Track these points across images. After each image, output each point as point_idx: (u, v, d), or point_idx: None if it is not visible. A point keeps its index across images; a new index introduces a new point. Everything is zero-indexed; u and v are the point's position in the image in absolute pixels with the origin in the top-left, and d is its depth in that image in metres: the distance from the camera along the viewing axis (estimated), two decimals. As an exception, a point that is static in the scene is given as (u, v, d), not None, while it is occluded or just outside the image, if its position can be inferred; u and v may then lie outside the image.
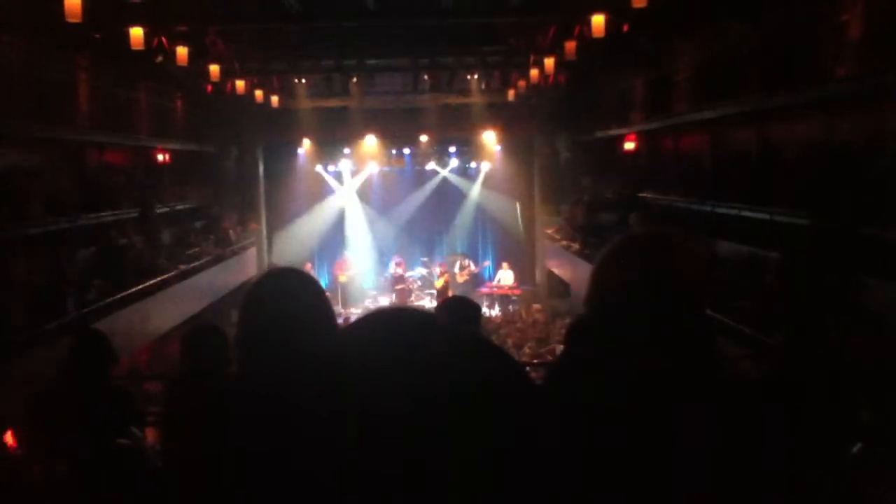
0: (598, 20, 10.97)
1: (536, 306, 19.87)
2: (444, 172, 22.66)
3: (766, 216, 9.98)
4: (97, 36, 11.16)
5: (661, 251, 1.85)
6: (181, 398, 3.64)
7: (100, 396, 3.90)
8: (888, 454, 2.55)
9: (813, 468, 2.32)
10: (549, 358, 12.44)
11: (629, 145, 16.94)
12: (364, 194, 23.02)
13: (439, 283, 20.92)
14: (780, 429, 2.56)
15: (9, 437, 4.55)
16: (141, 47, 10.94)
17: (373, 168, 22.33)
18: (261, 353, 2.03)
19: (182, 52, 12.35)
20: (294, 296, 2.06)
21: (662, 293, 1.80)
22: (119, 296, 11.60)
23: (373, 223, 23.05)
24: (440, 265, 21.60)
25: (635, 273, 1.84)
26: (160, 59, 12.41)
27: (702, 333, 1.98)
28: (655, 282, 1.81)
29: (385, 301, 21.80)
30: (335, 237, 22.94)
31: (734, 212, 10.96)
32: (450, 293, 19.99)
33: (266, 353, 2.01)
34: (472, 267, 22.07)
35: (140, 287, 12.39)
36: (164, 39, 12.22)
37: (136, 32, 10.74)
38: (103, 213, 12.94)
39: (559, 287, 19.46)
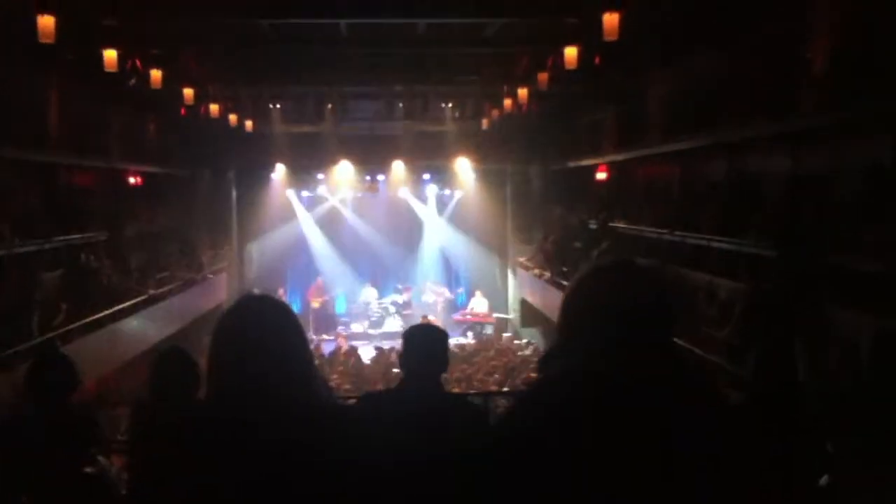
0: (570, 52, 11.13)
1: (508, 335, 19.92)
2: (413, 202, 22.67)
3: (734, 247, 10.11)
4: (70, 57, 11.08)
5: (628, 279, 1.89)
6: (147, 423, 3.58)
7: (63, 423, 3.82)
8: (855, 486, 2.58)
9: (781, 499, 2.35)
10: (522, 386, 12.43)
11: (601, 175, 17.12)
12: (335, 220, 22.91)
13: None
14: (751, 452, 2.58)
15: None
16: (115, 69, 10.87)
17: (344, 194, 22.27)
18: (232, 379, 2.02)
19: (156, 74, 12.30)
20: (267, 323, 2.06)
21: (630, 319, 1.84)
22: (87, 319, 11.44)
23: (344, 250, 22.93)
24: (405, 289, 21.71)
25: (603, 300, 1.88)
26: (133, 81, 12.34)
27: (670, 356, 2.02)
28: (622, 308, 1.85)
29: (357, 328, 21.70)
30: (308, 263, 22.81)
31: (703, 242, 11.09)
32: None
33: (237, 379, 2.00)
34: (447, 294, 22.09)
35: (109, 311, 12.23)
36: (137, 62, 12.18)
37: (110, 54, 10.69)
38: (72, 236, 12.76)
39: (532, 315, 19.51)
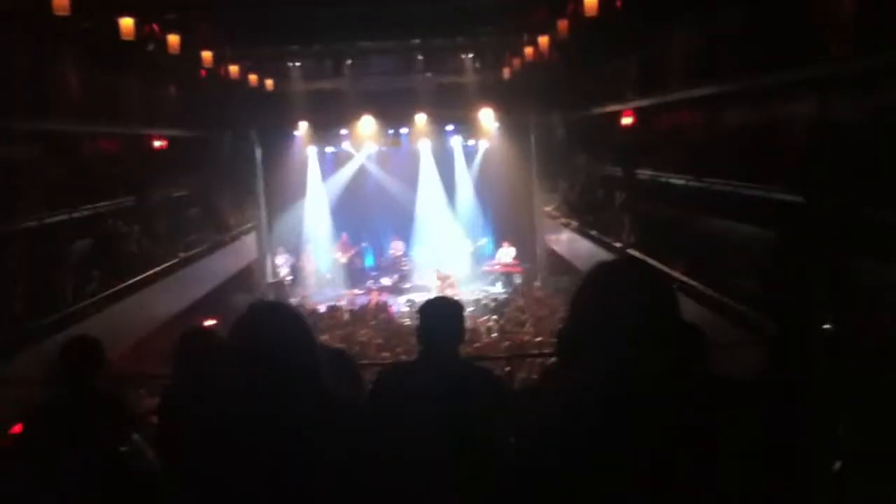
0: None
1: (537, 284, 19.97)
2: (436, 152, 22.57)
3: (761, 193, 9.96)
4: (86, 26, 11.07)
5: (633, 275, 1.94)
6: (173, 412, 3.66)
7: (95, 403, 3.92)
8: (867, 472, 2.59)
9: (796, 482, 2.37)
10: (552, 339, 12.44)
11: (626, 121, 16.86)
12: (360, 176, 22.87)
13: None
14: (767, 432, 2.60)
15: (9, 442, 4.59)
16: (131, 37, 10.88)
17: (367, 149, 22.18)
18: (245, 386, 2.07)
19: (173, 39, 12.29)
20: (277, 331, 2.09)
21: (638, 311, 1.89)
22: (119, 286, 11.66)
23: (370, 204, 22.88)
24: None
25: (610, 297, 1.93)
26: (151, 47, 12.33)
27: (681, 342, 2.06)
28: (631, 302, 1.90)
29: (386, 282, 21.72)
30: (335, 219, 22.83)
31: (729, 189, 10.94)
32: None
33: (251, 386, 2.06)
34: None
35: (140, 277, 12.44)
36: (155, 27, 12.15)
37: (126, 22, 10.68)
38: (99, 204, 12.93)
39: (559, 263, 19.50)
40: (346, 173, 22.70)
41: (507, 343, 13.12)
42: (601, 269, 2.00)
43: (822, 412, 2.75)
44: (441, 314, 3.48)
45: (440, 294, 17.26)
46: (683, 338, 2.50)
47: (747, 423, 2.00)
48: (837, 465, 2.66)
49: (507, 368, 8.31)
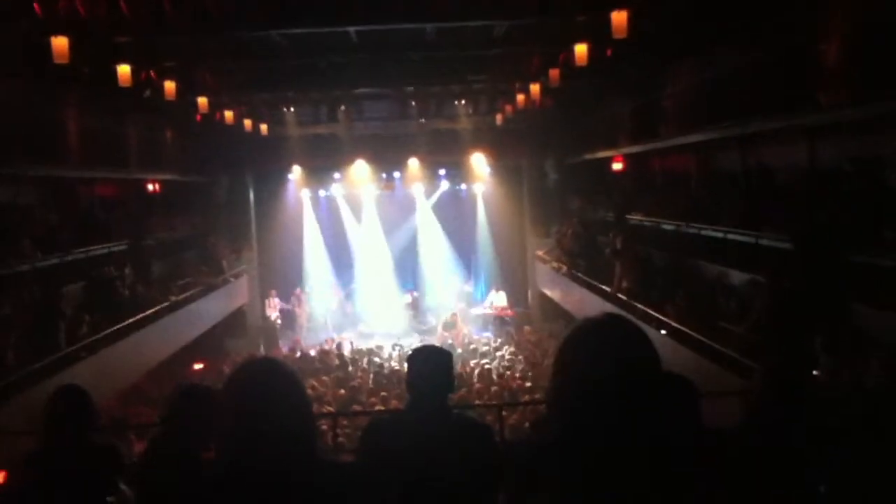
0: (580, 49, 11.08)
1: (528, 328, 19.95)
2: (422, 200, 22.74)
3: (752, 240, 10.05)
4: (85, 72, 11.20)
5: (616, 333, 1.97)
6: (158, 466, 3.61)
7: (83, 456, 3.88)
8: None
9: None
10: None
11: (617, 166, 17.05)
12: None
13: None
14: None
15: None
16: (129, 84, 10.98)
17: (369, 193, 22.35)
18: (236, 447, 2.08)
19: (170, 86, 12.40)
20: (269, 388, 2.11)
21: (622, 369, 1.92)
22: (111, 329, 11.61)
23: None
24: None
25: (596, 352, 1.96)
26: (148, 93, 12.47)
27: (668, 397, 2.09)
28: (615, 360, 1.94)
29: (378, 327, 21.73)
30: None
31: (720, 235, 11.04)
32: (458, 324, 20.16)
33: (242, 447, 2.07)
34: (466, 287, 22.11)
35: (132, 320, 12.39)
36: (152, 73, 12.29)
37: (124, 69, 10.79)
38: (93, 248, 12.95)
39: (552, 308, 19.51)
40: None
41: (496, 388, 13.05)
42: (582, 328, 2.03)
43: (810, 460, 2.76)
44: (430, 363, 3.45)
45: (438, 340, 17.33)
46: (670, 392, 2.53)
47: (735, 478, 2.03)
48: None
49: (504, 413, 8.27)
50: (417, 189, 22.31)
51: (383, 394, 12.25)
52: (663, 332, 10.60)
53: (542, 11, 10.55)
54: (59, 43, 8.88)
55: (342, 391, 12.85)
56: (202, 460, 3.37)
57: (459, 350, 17.13)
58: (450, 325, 20.21)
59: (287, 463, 2.04)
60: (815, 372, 6.68)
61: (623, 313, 3.92)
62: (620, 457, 1.87)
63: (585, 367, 1.92)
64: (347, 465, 2.99)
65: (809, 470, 2.87)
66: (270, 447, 2.02)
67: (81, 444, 3.90)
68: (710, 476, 1.98)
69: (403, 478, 2.89)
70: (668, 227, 13.24)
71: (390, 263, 22.88)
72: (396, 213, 22.82)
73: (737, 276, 10.49)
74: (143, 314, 12.92)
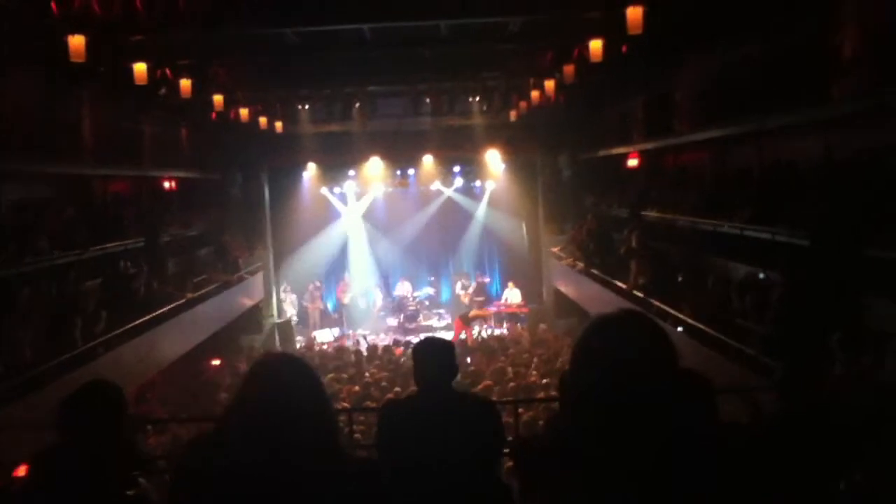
0: (595, 45, 11.05)
1: (543, 326, 19.91)
2: (448, 192, 22.81)
3: (768, 236, 9.97)
4: (101, 70, 11.27)
5: (631, 328, 1.96)
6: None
7: (103, 450, 3.88)
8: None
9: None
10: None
11: (632, 162, 16.99)
12: (369, 216, 23.19)
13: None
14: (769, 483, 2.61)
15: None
16: (145, 82, 11.05)
17: (377, 190, 22.48)
18: (253, 440, 2.09)
19: (185, 84, 12.47)
20: (287, 384, 2.11)
21: (640, 365, 1.91)
22: (127, 326, 11.68)
23: (376, 244, 23.17)
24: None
25: (613, 348, 1.95)
26: (164, 91, 12.53)
27: (685, 392, 2.09)
28: (633, 356, 1.93)
29: (392, 322, 21.89)
30: (341, 259, 23.07)
31: (736, 231, 10.96)
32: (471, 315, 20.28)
33: (258, 440, 2.07)
34: (480, 279, 22.14)
35: (148, 317, 12.47)
36: (167, 72, 12.36)
37: (140, 68, 10.86)
38: (109, 245, 13.02)
39: (566, 305, 19.47)
40: (353, 213, 22.96)
41: (512, 384, 13.02)
42: (599, 323, 2.02)
43: (830, 459, 2.74)
44: (433, 353, 3.83)
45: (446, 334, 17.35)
46: (687, 388, 2.52)
47: (753, 474, 2.01)
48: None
49: (520, 410, 8.25)
50: (435, 185, 22.45)
51: (397, 389, 12.29)
52: (680, 328, 10.55)
53: (557, 7, 10.52)
54: (76, 41, 8.94)
55: (357, 388, 12.89)
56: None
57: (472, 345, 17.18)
58: (465, 321, 20.25)
59: (310, 457, 2.04)
60: (832, 368, 6.63)
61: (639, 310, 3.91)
62: (637, 453, 1.86)
63: (603, 363, 1.92)
64: (370, 460, 3.03)
65: (828, 467, 2.85)
66: (293, 442, 2.02)
67: (105, 440, 3.90)
68: (726, 473, 1.97)
69: (418, 450, 3.36)
70: (683, 223, 13.18)
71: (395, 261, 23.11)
72: (411, 209, 22.89)
73: (753, 273, 10.42)
74: (160, 311, 12.98)
